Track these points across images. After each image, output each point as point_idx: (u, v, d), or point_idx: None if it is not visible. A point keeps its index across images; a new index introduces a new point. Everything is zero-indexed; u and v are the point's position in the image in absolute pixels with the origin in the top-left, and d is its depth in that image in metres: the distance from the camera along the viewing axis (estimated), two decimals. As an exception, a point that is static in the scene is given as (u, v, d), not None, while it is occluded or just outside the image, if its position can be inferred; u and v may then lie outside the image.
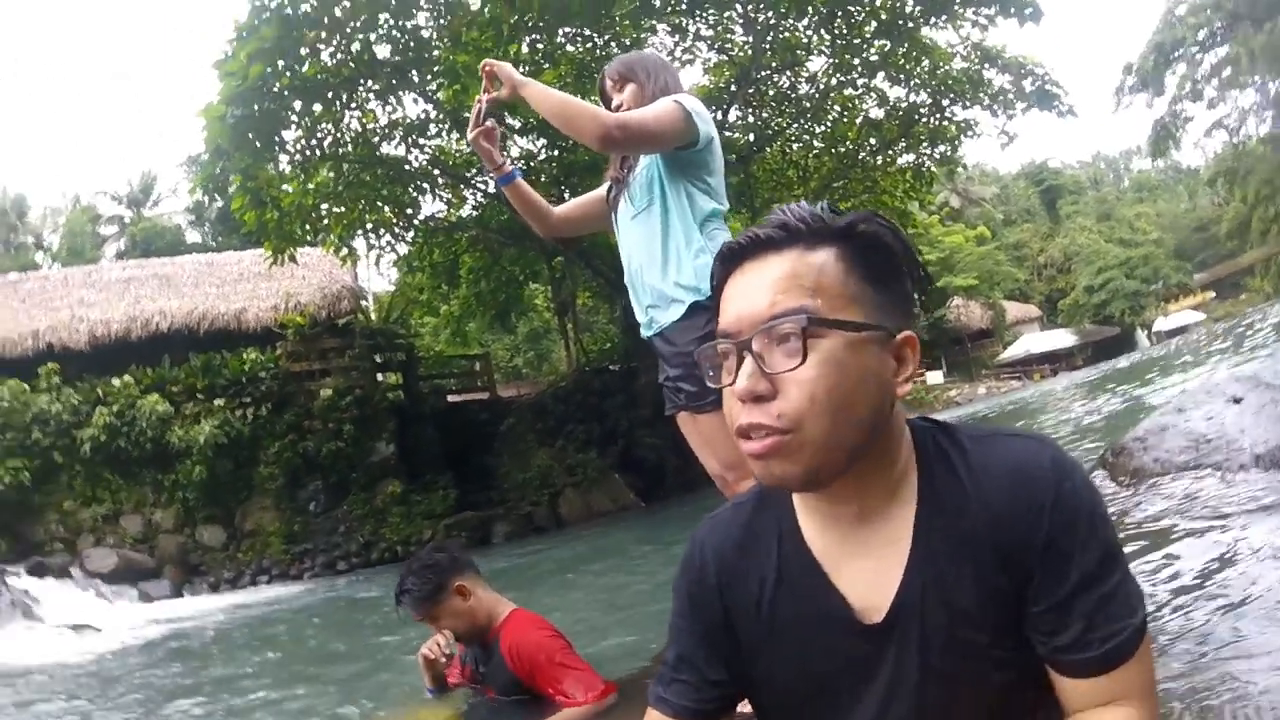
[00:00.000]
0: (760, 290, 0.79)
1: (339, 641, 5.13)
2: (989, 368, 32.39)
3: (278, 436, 11.58)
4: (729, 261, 0.83)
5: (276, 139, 9.64)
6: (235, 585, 10.38)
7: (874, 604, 0.81)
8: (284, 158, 10.22)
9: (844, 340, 0.76)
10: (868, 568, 0.82)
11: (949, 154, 14.72)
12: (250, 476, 11.48)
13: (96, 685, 4.77)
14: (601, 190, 2.26)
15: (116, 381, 11.63)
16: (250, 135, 9.03)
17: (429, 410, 13.62)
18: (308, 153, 10.17)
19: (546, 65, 10.81)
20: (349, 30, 8.72)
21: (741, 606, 0.88)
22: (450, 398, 14.99)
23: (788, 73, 13.03)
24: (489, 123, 2.05)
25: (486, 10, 8.90)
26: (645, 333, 2.12)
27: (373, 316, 14.84)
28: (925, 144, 14.27)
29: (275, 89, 8.71)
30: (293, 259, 11.50)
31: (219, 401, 11.61)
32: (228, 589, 10.19)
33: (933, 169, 15.28)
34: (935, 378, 29.63)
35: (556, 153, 12.25)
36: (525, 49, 10.32)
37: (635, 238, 2.10)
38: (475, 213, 13.00)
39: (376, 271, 20.44)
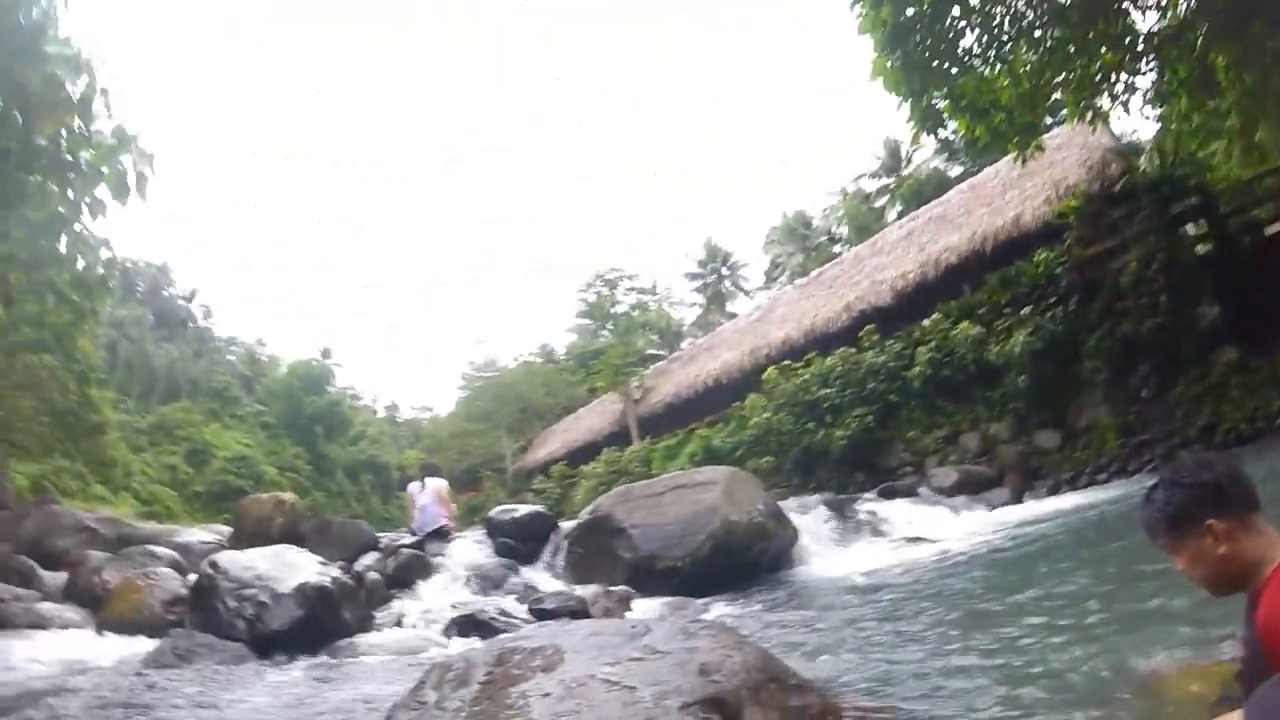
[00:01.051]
0: None
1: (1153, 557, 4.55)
2: None
3: (1092, 328, 11.13)
4: None
5: (959, 51, 9.46)
6: (1074, 485, 10.26)
7: None
8: (977, 61, 9.91)
9: None
10: None
11: None
12: (1075, 374, 11.27)
13: (905, 590, 5.25)
14: None
15: (926, 321, 13.18)
16: (932, 63, 9.12)
17: (1248, 253, 10.96)
18: (997, 44, 9.63)
19: None
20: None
21: None
22: (1270, 229, 11.64)
23: None
24: None
25: None
26: None
27: (1151, 165, 12.89)
28: None
29: (919, 10, 8.64)
30: (1040, 148, 11.02)
31: (1025, 310, 11.95)
32: (1066, 489, 10.13)
33: None
34: None
35: None
36: None
37: None
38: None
39: (1141, 117, 17.56)
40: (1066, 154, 13.38)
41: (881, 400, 13.17)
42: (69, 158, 5.91)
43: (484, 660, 3.51)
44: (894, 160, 29.96)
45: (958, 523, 8.61)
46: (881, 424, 13.17)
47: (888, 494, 10.15)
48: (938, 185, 23.92)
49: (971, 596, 4.77)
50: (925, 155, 27.92)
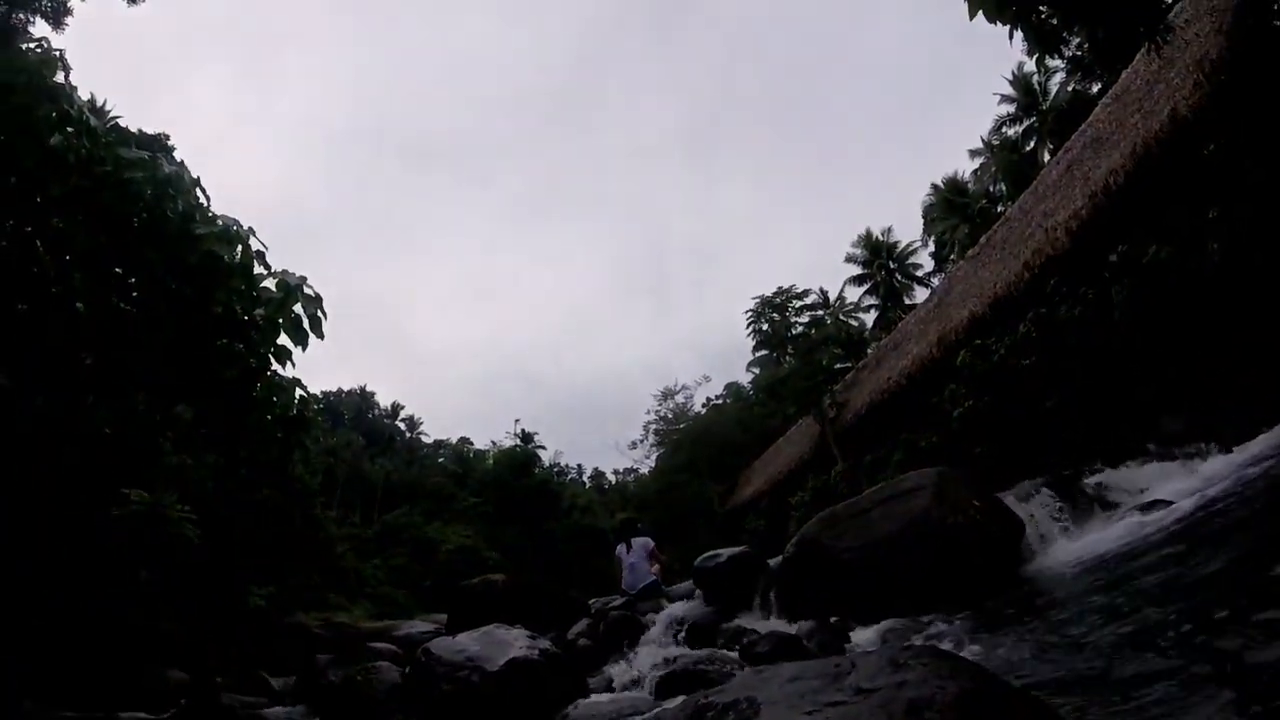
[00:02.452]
0: None
1: None
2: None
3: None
4: None
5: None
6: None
7: None
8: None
9: None
10: None
11: None
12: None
13: (1144, 575, 4.56)
14: None
15: (1112, 256, 11.77)
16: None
17: None
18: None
19: None
20: None
21: None
22: None
23: None
24: None
25: None
26: None
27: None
28: None
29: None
30: (1168, 29, 9.68)
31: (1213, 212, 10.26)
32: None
33: None
34: None
35: None
36: None
37: None
38: None
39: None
40: (1199, 26, 11.73)
41: (1088, 357, 11.85)
42: (245, 318, 6.54)
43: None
44: (1029, 97, 27.61)
45: (1192, 477, 7.35)
46: (1095, 382, 11.82)
47: (1112, 459, 8.90)
48: (1084, 107, 21.77)
49: (1217, 574, 4.05)
50: (1061, 80, 25.51)
